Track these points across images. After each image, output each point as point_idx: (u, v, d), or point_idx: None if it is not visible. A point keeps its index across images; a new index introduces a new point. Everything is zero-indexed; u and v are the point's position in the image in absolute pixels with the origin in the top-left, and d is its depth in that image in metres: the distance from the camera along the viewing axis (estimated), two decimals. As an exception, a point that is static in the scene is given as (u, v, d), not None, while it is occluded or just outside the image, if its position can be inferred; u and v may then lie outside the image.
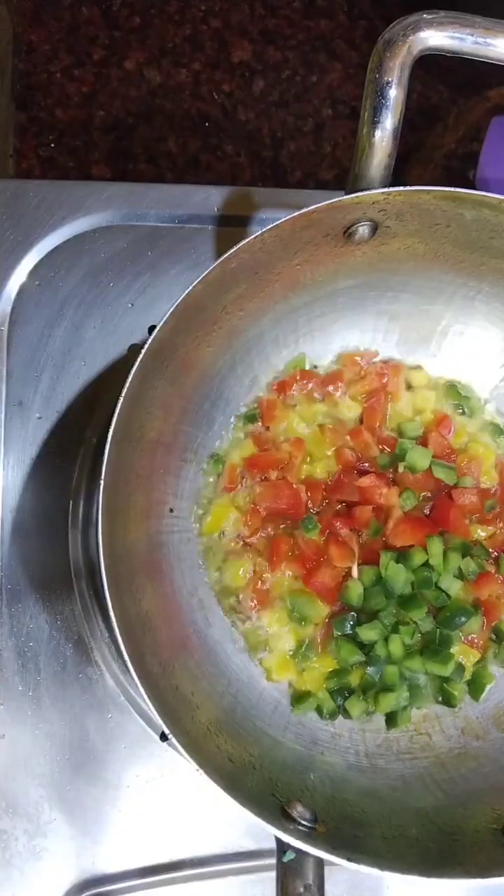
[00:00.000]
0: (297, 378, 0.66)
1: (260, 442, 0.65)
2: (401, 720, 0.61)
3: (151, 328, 0.49)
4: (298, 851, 0.45)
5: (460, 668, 0.62)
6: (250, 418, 0.65)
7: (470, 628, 0.62)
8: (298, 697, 0.62)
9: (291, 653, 0.63)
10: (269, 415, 0.65)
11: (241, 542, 0.64)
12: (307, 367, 0.67)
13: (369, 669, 0.61)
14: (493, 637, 0.64)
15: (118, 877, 0.63)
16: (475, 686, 0.63)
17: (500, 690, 0.64)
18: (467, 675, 0.63)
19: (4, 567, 0.65)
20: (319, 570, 0.62)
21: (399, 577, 0.60)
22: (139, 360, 0.48)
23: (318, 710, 0.62)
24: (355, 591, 0.61)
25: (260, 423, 0.66)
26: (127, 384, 0.48)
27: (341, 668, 0.62)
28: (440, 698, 0.63)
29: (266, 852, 0.64)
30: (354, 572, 0.62)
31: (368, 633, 0.60)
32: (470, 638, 0.63)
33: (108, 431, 0.48)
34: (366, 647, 0.61)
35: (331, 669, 0.62)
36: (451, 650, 0.62)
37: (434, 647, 0.61)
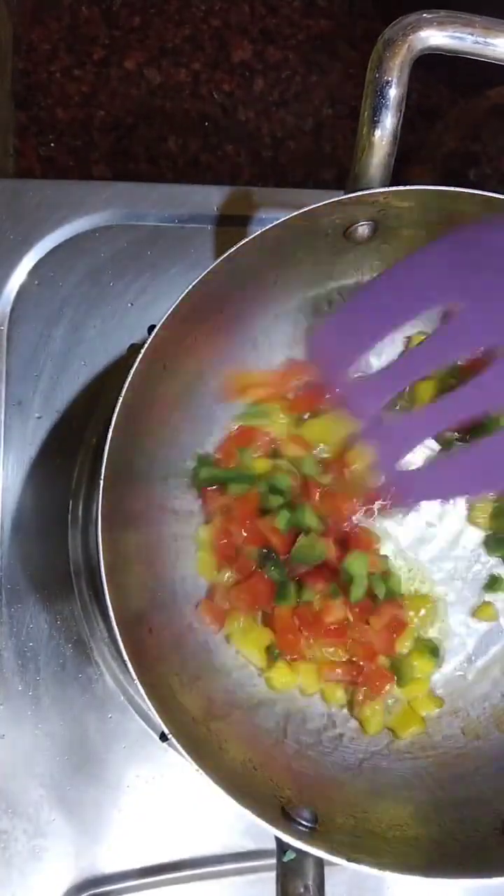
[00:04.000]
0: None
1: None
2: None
3: (151, 328, 0.49)
4: (298, 851, 0.45)
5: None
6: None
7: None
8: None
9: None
10: (228, 459, 0.63)
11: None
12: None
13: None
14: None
15: (118, 877, 0.63)
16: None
17: (501, 690, 0.64)
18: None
19: (4, 567, 0.65)
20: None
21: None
22: (139, 360, 0.48)
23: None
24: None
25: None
26: (127, 384, 0.48)
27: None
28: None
29: (266, 852, 0.64)
30: None
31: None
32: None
33: (108, 431, 0.48)
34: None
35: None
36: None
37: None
